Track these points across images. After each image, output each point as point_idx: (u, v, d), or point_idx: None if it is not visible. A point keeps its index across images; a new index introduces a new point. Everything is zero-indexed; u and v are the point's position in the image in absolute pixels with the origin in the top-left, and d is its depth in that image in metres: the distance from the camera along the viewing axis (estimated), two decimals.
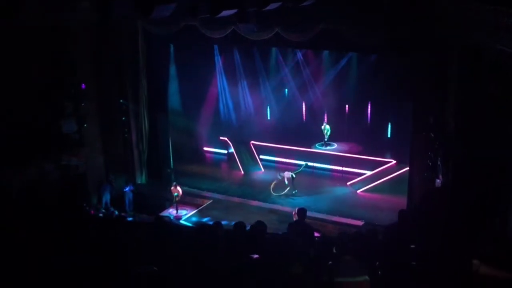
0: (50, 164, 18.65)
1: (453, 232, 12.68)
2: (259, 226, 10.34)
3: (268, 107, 25.98)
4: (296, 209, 12.92)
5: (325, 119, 24.32)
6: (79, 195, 18.55)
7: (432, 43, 14.82)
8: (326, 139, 24.27)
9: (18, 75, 17.13)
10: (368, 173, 21.71)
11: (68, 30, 18.31)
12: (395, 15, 15.07)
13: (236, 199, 20.38)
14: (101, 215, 17.80)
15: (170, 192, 19.90)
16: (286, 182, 20.41)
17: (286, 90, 25.49)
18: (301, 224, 11.96)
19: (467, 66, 13.69)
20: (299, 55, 23.87)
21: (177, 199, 19.70)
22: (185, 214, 19.56)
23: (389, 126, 23.35)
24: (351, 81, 23.15)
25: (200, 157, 24.80)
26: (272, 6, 13.71)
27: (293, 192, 20.40)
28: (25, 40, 16.90)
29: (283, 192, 20.45)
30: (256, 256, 8.06)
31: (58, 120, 18.92)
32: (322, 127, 24.15)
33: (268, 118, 26.03)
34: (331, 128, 24.15)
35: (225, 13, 13.05)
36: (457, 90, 14.55)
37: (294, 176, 20.44)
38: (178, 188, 19.80)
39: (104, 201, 19.57)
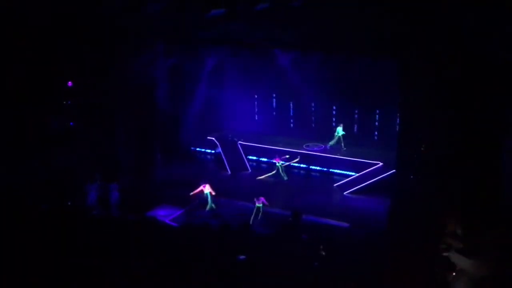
0: (36, 161, 18.51)
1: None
2: (246, 226, 10.35)
3: (256, 108, 25.96)
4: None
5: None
6: (65, 193, 18.38)
7: (426, 45, 14.85)
8: (331, 143, 23.45)
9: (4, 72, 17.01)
10: (355, 174, 21.78)
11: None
12: (389, 15, 15.07)
13: (223, 199, 20.30)
14: (89, 213, 17.65)
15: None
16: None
17: (274, 94, 25.48)
18: (294, 227, 12.00)
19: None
20: (290, 56, 23.79)
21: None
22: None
23: (376, 127, 23.45)
24: (340, 83, 23.16)
25: (189, 156, 24.71)
26: (262, 6, 13.70)
27: (285, 178, 21.74)
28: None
29: (269, 174, 21.81)
30: (242, 257, 8.07)
31: (45, 118, 18.78)
32: (338, 129, 23.24)
33: (256, 118, 25.99)
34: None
35: (215, 12, 13.02)
36: (446, 92, 14.62)
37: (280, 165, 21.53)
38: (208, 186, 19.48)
39: (90, 200, 19.40)
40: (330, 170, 22.83)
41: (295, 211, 12.34)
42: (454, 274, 9.42)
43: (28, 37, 17.95)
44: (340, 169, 22.57)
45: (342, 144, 23.15)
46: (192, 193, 19.43)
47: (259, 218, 18.10)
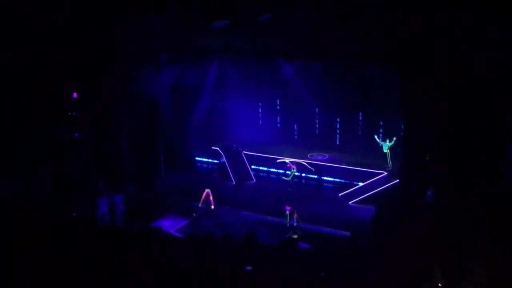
0: (41, 171, 18.56)
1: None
2: (251, 237, 10.35)
3: (260, 117, 26.02)
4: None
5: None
6: (71, 204, 18.42)
7: (428, 55, 14.91)
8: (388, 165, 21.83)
9: (11, 79, 17.12)
10: (360, 184, 21.76)
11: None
12: (391, 26, 15.13)
13: (227, 209, 20.32)
14: (94, 224, 17.66)
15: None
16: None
17: (278, 101, 25.54)
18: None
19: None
20: (294, 66, 23.86)
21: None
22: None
23: (381, 137, 23.44)
24: (344, 92, 23.18)
25: (193, 166, 24.75)
26: (265, 17, 13.79)
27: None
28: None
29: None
30: (249, 268, 8.07)
31: (50, 129, 18.86)
32: (384, 144, 21.71)
33: (260, 127, 26.04)
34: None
35: (219, 23, 13.11)
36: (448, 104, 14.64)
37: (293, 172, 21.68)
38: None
39: (101, 211, 19.42)
40: (335, 179, 22.81)
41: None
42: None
43: (34, 48, 18.06)
44: (344, 179, 22.54)
45: (389, 160, 21.73)
46: (200, 204, 20.10)
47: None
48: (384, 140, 21.74)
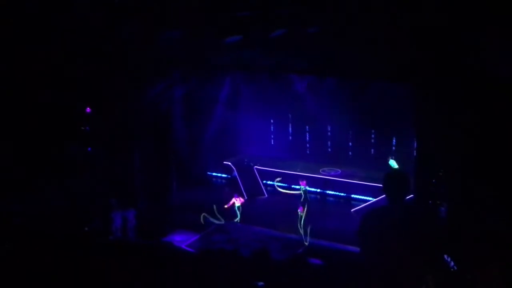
0: (53, 185, 18.65)
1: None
2: (263, 252, 10.28)
3: (272, 133, 26.03)
4: None
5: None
6: (83, 219, 18.47)
7: (441, 70, 14.83)
8: None
9: (21, 96, 17.27)
10: (372, 199, 21.62)
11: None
12: (403, 42, 15.09)
13: (239, 224, 20.27)
14: (105, 239, 17.68)
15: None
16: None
17: (290, 116, 25.53)
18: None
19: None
20: (306, 81, 23.87)
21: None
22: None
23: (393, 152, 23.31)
24: (356, 107, 23.12)
25: (204, 181, 24.75)
26: (277, 32, 13.85)
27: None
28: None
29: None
30: (261, 283, 8.01)
31: (61, 143, 18.98)
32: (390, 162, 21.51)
33: (272, 143, 26.03)
34: None
35: (231, 39, 13.18)
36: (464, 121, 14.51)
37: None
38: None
39: (115, 226, 19.44)
40: (347, 195, 22.69)
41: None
42: None
43: (47, 63, 18.26)
44: (357, 194, 22.43)
45: None
46: (226, 206, 20.24)
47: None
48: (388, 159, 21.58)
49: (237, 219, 20.36)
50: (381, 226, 7.54)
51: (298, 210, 19.38)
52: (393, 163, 21.72)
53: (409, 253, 7.40)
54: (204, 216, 20.35)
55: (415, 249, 7.50)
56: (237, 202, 20.42)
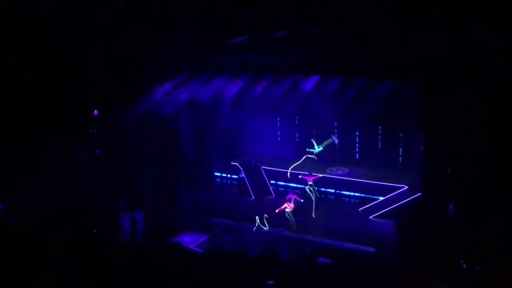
0: (63, 187, 18.75)
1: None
2: (271, 252, 10.32)
3: (279, 133, 26.04)
4: None
5: None
6: (91, 221, 18.57)
7: (447, 68, 14.80)
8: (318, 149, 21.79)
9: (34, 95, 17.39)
10: (380, 198, 21.60)
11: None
12: (409, 40, 15.06)
13: (246, 225, 20.28)
14: (114, 241, 17.76)
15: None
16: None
17: (297, 115, 25.52)
18: None
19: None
20: (312, 81, 23.83)
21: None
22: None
23: (401, 151, 23.25)
24: (363, 106, 23.04)
25: (212, 182, 24.79)
26: (282, 33, 13.87)
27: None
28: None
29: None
30: (271, 282, 8.06)
31: (69, 146, 19.08)
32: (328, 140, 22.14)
33: (279, 143, 26.02)
34: None
35: (237, 40, 13.22)
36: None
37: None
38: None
39: (124, 228, 19.52)
40: (355, 194, 22.68)
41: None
42: None
43: (56, 66, 18.38)
44: (364, 193, 22.42)
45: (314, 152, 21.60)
46: (277, 210, 19.68)
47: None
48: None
49: (294, 226, 19.59)
50: None
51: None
52: (316, 146, 21.62)
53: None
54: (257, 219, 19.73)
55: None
56: (288, 207, 19.65)
